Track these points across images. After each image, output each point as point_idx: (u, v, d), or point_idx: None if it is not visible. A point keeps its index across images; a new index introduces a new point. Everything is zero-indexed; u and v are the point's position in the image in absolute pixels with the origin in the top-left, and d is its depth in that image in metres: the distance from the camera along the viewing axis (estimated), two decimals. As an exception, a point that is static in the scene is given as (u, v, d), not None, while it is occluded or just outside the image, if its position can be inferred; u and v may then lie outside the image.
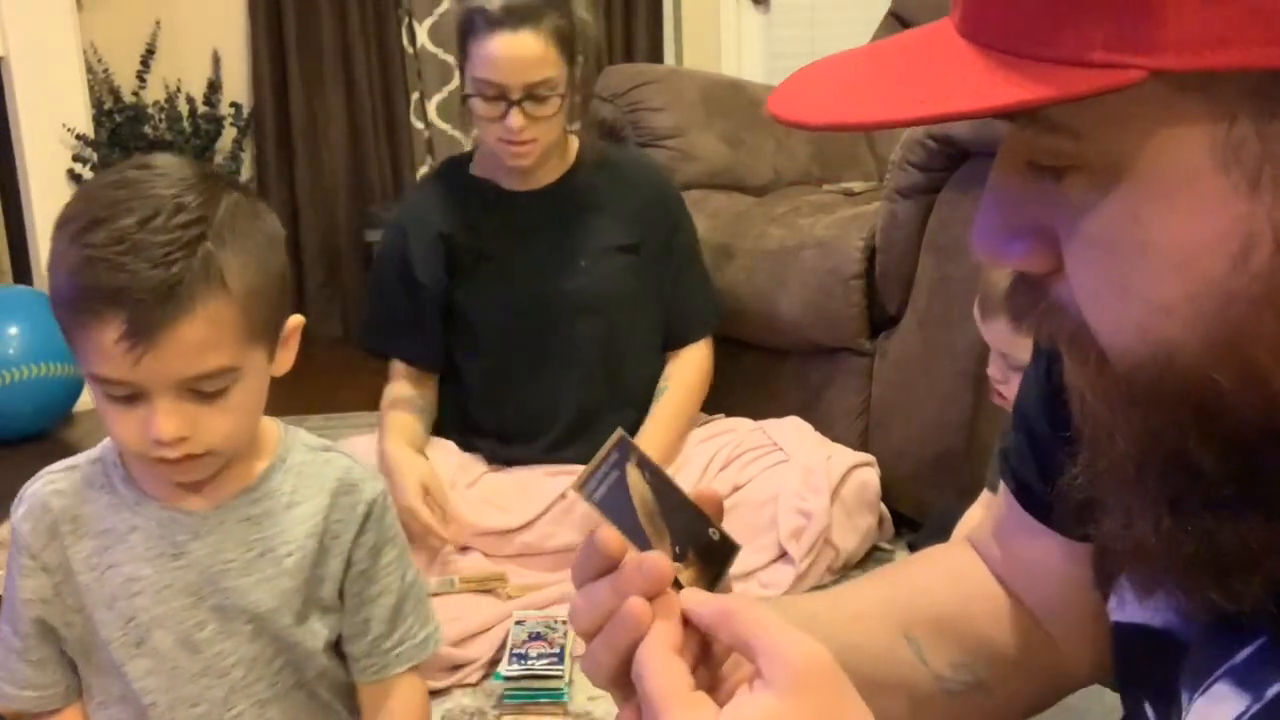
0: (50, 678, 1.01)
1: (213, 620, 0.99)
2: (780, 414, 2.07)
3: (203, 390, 0.90)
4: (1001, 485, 0.72)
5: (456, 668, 1.65)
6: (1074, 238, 0.45)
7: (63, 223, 0.90)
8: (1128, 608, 0.58)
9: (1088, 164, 0.44)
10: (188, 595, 0.99)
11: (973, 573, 0.74)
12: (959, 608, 0.72)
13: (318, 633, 1.03)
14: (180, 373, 0.89)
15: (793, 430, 2.00)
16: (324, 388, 2.78)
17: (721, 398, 2.21)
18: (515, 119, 1.79)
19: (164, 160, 0.93)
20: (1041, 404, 0.65)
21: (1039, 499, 0.67)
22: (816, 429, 2.02)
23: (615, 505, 0.55)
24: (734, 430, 2.01)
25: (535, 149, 1.86)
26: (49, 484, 1.00)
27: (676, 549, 0.55)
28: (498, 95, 1.79)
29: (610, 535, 0.54)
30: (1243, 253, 0.41)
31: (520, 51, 1.77)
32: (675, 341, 2.03)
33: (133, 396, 0.90)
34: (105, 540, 0.99)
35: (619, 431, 0.56)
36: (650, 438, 1.91)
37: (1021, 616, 0.72)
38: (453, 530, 1.81)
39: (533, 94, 1.80)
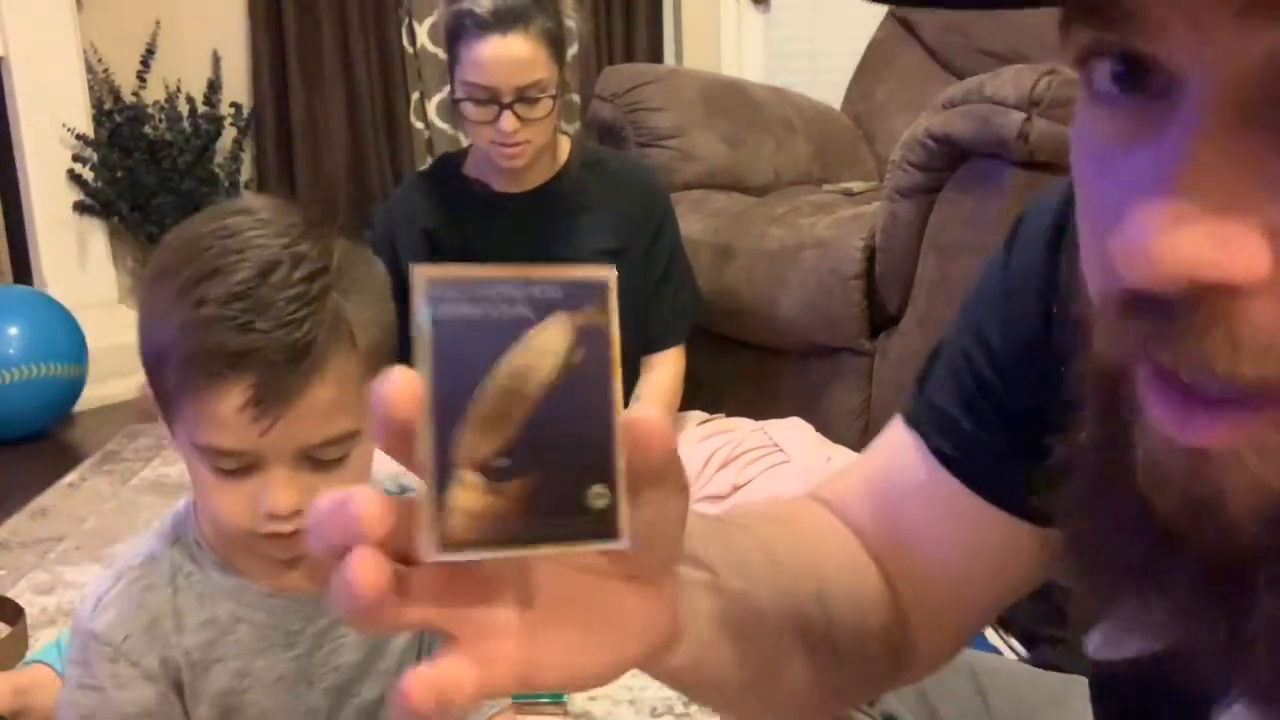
0: None
1: (325, 700, 0.93)
2: (780, 414, 2.07)
3: (322, 458, 0.82)
4: (900, 438, 0.64)
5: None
6: None
7: (163, 274, 0.81)
8: (1119, 645, 0.48)
9: None
10: (302, 682, 0.91)
11: (840, 536, 0.65)
12: (846, 575, 0.63)
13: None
14: (305, 440, 0.80)
15: (793, 431, 2.00)
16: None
17: (721, 398, 2.21)
18: (508, 122, 1.80)
19: (261, 203, 0.85)
20: (1027, 352, 0.56)
21: (976, 466, 0.59)
22: (816, 429, 2.02)
23: (469, 352, 0.35)
24: (734, 430, 2.01)
25: (528, 150, 1.86)
26: (135, 581, 0.89)
27: (501, 469, 0.35)
28: (489, 98, 1.80)
29: (403, 392, 0.34)
30: None
31: (511, 54, 1.77)
32: (648, 346, 2.03)
33: (246, 469, 0.81)
34: (208, 633, 0.89)
35: (608, 271, 0.37)
36: None
37: (885, 593, 0.64)
38: None
39: (524, 96, 1.80)
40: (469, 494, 0.35)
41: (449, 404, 0.35)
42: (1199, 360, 0.32)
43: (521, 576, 0.40)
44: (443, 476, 0.34)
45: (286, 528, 0.82)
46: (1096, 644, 0.51)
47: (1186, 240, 0.30)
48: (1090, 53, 0.35)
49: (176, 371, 0.80)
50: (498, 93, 1.79)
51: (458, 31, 1.80)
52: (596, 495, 0.36)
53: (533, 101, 1.81)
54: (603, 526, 0.36)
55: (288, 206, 0.86)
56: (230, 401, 0.78)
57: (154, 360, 0.82)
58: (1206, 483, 0.34)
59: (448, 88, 1.91)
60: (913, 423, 0.64)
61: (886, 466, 0.66)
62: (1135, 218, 0.31)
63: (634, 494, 0.37)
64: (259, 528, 0.82)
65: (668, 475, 0.39)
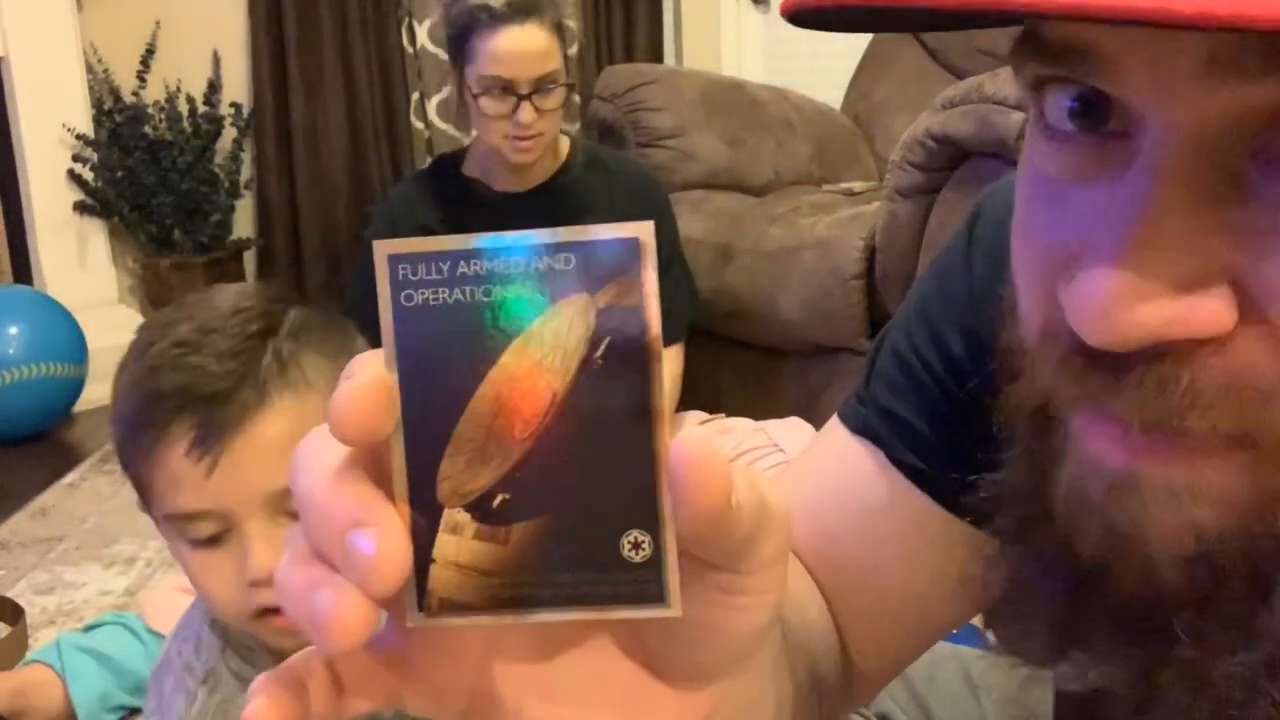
0: None
1: None
2: (780, 414, 2.06)
3: (296, 509, 0.78)
4: (846, 449, 0.59)
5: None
6: None
7: (122, 365, 0.81)
8: (1083, 674, 0.44)
9: None
10: None
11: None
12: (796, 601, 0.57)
13: None
14: (266, 485, 0.75)
15: (793, 431, 2.00)
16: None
17: (721, 398, 2.21)
18: (526, 113, 1.82)
19: (234, 288, 0.85)
20: (923, 401, 0.54)
21: (941, 478, 0.54)
22: (817, 429, 2.01)
23: (450, 352, 0.26)
24: (734, 430, 2.01)
25: (540, 143, 1.88)
26: (210, 694, 0.85)
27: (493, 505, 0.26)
28: (507, 90, 1.81)
29: (367, 398, 0.26)
30: None
31: (528, 45, 1.80)
32: None
33: (219, 536, 0.77)
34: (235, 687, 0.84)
35: (642, 228, 0.27)
36: None
37: (829, 617, 0.59)
38: None
39: (539, 87, 1.82)
40: (458, 541, 0.26)
41: (426, 421, 0.26)
42: (1155, 413, 0.31)
43: (508, 644, 0.32)
44: (422, 517, 0.26)
45: (273, 599, 0.72)
46: (1064, 676, 0.48)
47: (1151, 307, 0.29)
48: (1044, 81, 0.34)
49: (129, 432, 0.78)
50: (515, 84, 1.81)
51: (470, 26, 1.81)
52: (633, 544, 0.26)
53: (547, 92, 1.83)
54: (642, 586, 0.26)
55: (269, 289, 0.85)
56: (177, 450, 0.75)
57: (119, 436, 0.80)
58: (1130, 514, 0.33)
59: (447, 89, 1.91)
60: (866, 433, 0.58)
61: (834, 480, 0.60)
62: (1095, 275, 0.30)
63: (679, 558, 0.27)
64: (250, 605, 0.77)
65: (722, 540, 0.28)
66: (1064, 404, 0.35)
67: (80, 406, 2.77)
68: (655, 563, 0.27)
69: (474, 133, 1.96)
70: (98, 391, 2.82)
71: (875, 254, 2.03)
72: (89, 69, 3.12)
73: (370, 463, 0.28)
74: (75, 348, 2.65)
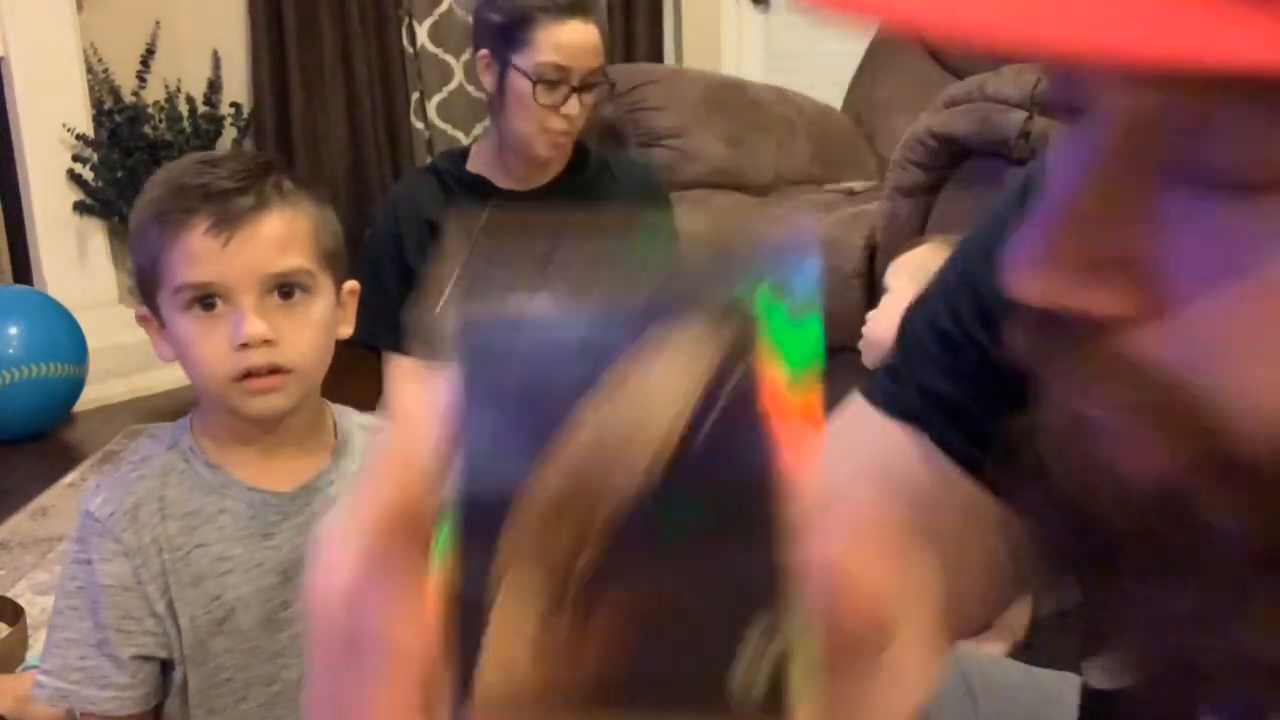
0: (131, 678, 1.00)
1: (298, 599, 1.02)
2: (781, 414, 2.06)
3: (285, 292, 0.97)
4: (873, 421, 0.56)
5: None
6: (1217, 282, 0.32)
7: (148, 183, 1.01)
8: (1112, 671, 0.44)
9: None
10: (277, 574, 1.02)
11: None
12: None
13: None
14: (265, 266, 0.95)
15: (793, 430, 1.99)
16: (324, 387, 2.81)
17: (722, 397, 2.21)
18: (574, 106, 1.85)
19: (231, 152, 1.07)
20: (967, 374, 0.53)
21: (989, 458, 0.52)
22: (817, 429, 2.02)
23: (524, 398, 0.22)
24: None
25: (569, 140, 1.91)
26: (130, 472, 1.02)
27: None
28: (560, 82, 1.84)
29: (415, 433, 0.24)
30: None
31: (588, 39, 1.87)
32: None
33: (215, 304, 0.95)
34: (192, 521, 1.01)
35: (808, 220, 0.24)
36: None
37: None
38: None
39: (587, 82, 1.86)
40: (523, 630, 0.21)
41: (487, 479, 0.21)
42: (1082, 374, 0.34)
43: None
44: (474, 600, 0.21)
45: (257, 359, 0.95)
46: (1096, 675, 0.47)
47: (1046, 280, 0.32)
48: None
49: (156, 223, 0.96)
50: (570, 75, 1.84)
51: (531, 15, 1.84)
52: (752, 649, 0.21)
53: (592, 88, 1.88)
54: (763, 703, 0.21)
55: (265, 156, 1.05)
56: (197, 231, 0.94)
57: (140, 233, 0.99)
58: (1099, 446, 0.35)
59: (449, 87, 1.92)
60: (907, 415, 0.55)
61: (877, 465, 0.56)
62: (1016, 239, 0.33)
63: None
64: (234, 367, 0.95)
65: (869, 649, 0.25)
66: (1027, 352, 0.37)
67: (80, 406, 2.77)
68: (779, 671, 0.21)
69: (476, 131, 1.96)
70: (98, 391, 2.82)
71: (876, 253, 2.03)
72: (89, 69, 3.12)
73: (407, 520, 0.24)
74: (75, 348, 2.65)
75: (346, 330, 1.05)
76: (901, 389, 0.56)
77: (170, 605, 1.00)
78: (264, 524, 1.02)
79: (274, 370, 0.96)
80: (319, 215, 1.01)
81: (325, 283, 1.00)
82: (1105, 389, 0.34)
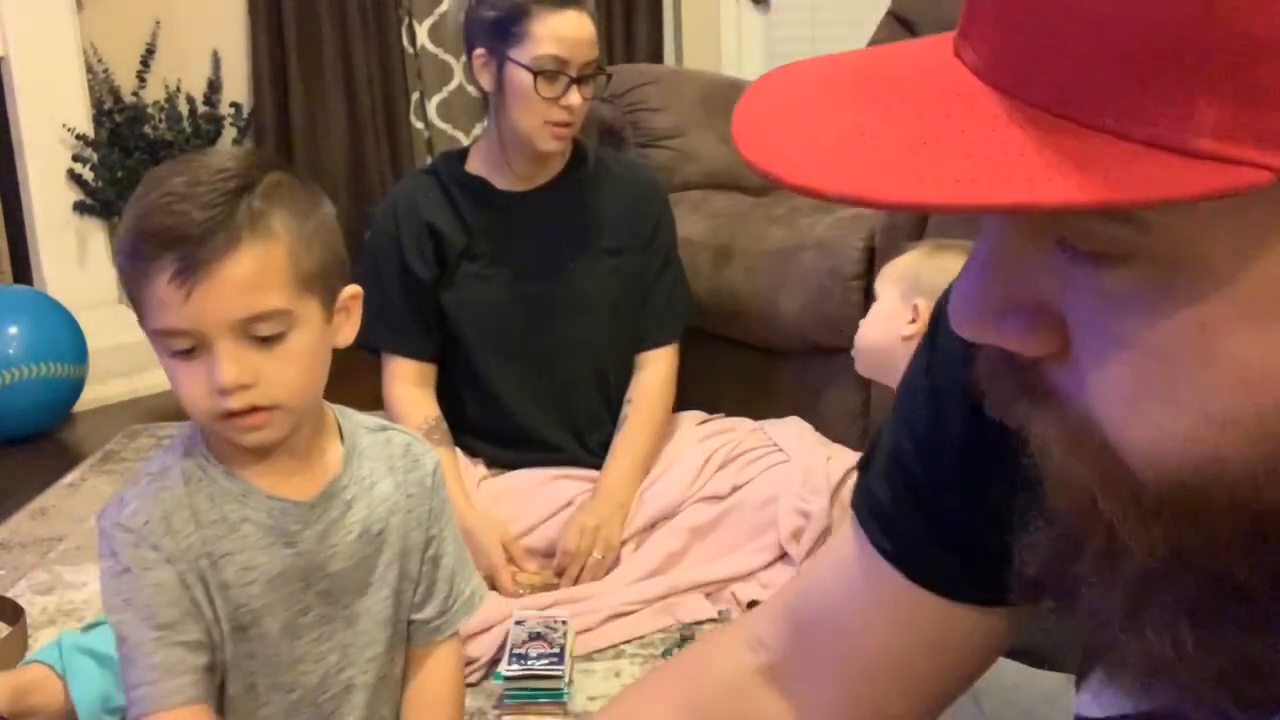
0: (205, 657, 0.99)
1: (317, 605, 1.04)
2: (780, 414, 2.07)
3: (260, 334, 0.93)
4: (852, 544, 0.63)
5: (456, 668, 1.65)
6: (1102, 333, 0.38)
7: (127, 208, 0.97)
8: (1105, 699, 0.51)
9: (1145, 258, 0.35)
10: (298, 581, 1.02)
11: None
12: None
13: (406, 605, 1.10)
14: (234, 313, 0.91)
15: (793, 431, 2.00)
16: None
17: (721, 398, 2.21)
18: (575, 96, 1.86)
19: (223, 148, 1.01)
20: (956, 453, 0.57)
21: (931, 565, 0.59)
22: (816, 429, 2.02)
23: None
24: (733, 430, 2.01)
25: (570, 133, 1.90)
26: (152, 483, 1.01)
27: None
28: (560, 71, 1.84)
29: None
30: None
31: (585, 30, 1.86)
32: (640, 344, 2.03)
33: (195, 349, 0.93)
34: (217, 530, 1.00)
35: None
36: (625, 454, 1.92)
37: None
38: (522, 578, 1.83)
39: (585, 73, 1.86)
40: None
41: None
42: (1024, 405, 0.42)
43: None
44: None
45: (236, 403, 0.93)
46: (1085, 702, 0.52)
47: (970, 318, 0.40)
48: None
49: (128, 260, 0.93)
50: (568, 66, 1.84)
51: (526, 9, 1.84)
52: None
53: (590, 79, 1.88)
54: None
55: (247, 150, 1.00)
56: (163, 277, 0.90)
57: (119, 264, 0.95)
58: (1045, 458, 0.42)
59: (449, 87, 1.92)
60: (855, 510, 0.63)
61: (830, 570, 0.65)
62: (957, 282, 0.40)
63: None
64: (216, 408, 0.94)
65: None
66: (984, 381, 0.45)
67: (80, 406, 2.77)
68: None
69: (476, 131, 1.96)
70: (98, 391, 2.83)
71: (875, 254, 2.03)
72: (89, 69, 3.12)
73: None
74: (75, 348, 2.65)
75: (346, 339, 1.03)
76: (861, 489, 0.63)
77: (214, 607, 1.00)
78: (285, 533, 1.01)
79: (256, 409, 0.94)
80: (301, 234, 0.95)
81: (308, 309, 0.96)
82: (1036, 414, 0.41)
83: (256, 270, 0.91)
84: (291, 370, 0.95)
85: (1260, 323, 0.35)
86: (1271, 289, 0.34)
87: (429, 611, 1.11)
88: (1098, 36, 0.32)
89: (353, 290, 1.03)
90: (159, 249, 0.90)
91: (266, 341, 0.93)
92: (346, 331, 1.02)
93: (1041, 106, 0.34)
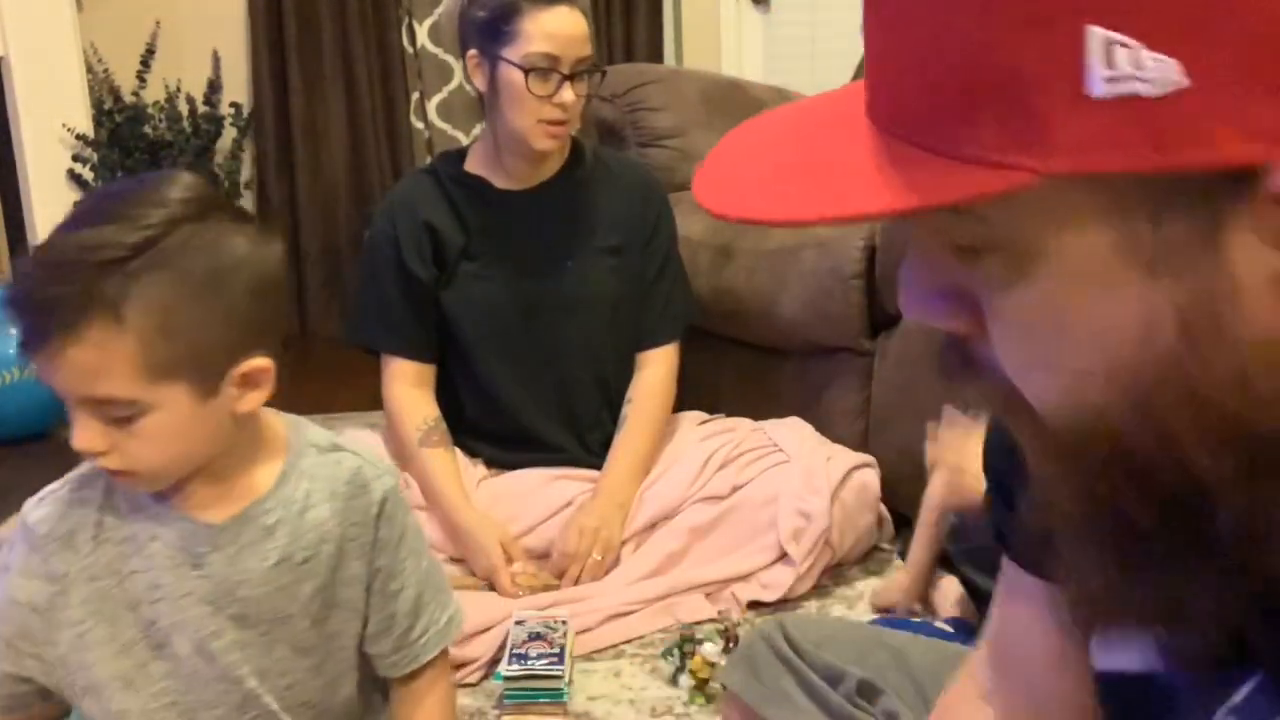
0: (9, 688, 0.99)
1: (230, 629, 0.99)
2: (780, 414, 2.06)
3: (108, 414, 0.89)
4: (1011, 571, 0.68)
5: (456, 667, 1.65)
6: (994, 313, 0.45)
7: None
8: (1110, 654, 0.57)
9: (1001, 247, 0.43)
10: (206, 604, 0.98)
11: None
12: None
13: (339, 634, 1.04)
14: (74, 391, 0.89)
15: (793, 431, 2.00)
16: (324, 387, 2.75)
17: (721, 398, 2.21)
18: (568, 93, 1.84)
19: (166, 176, 0.92)
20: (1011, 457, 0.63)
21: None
22: (817, 429, 2.02)
23: None
24: (734, 430, 2.01)
25: (566, 131, 1.89)
26: (75, 489, 0.99)
27: None
28: (552, 71, 1.83)
29: None
30: (1148, 335, 0.41)
31: (576, 27, 1.84)
32: (640, 344, 2.03)
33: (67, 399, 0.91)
34: (127, 548, 0.98)
35: None
36: (625, 454, 1.92)
37: None
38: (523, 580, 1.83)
39: (578, 71, 1.85)
40: None
41: None
42: (969, 377, 0.50)
43: None
44: None
45: (100, 464, 0.92)
46: (1096, 654, 0.56)
47: (905, 298, 0.49)
48: None
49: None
50: (561, 64, 1.83)
51: (516, 7, 1.83)
52: None
53: (583, 77, 1.86)
54: None
55: (191, 183, 0.92)
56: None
57: None
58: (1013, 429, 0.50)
59: (449, 87, 1.91)
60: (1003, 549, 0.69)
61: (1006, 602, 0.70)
62: (900, 269, 0.49)
63: None
64: (92, 460, 0.93)
65: None
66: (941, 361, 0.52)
67: (80, 406, 2.77)
68: None
69: (476, 131, 1.96)
70: (98, 391, 2.83)
71: (875, 254, 2.03)
72: (89, 69, 3.12)
73: None
74: (75, 348, 2.65)
75: (251, 406, 0.95)
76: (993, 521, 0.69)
77: (82, 637, 0.98)
78: (192, 554, 0.98)
79: (120, 471, 0.92)
80: (166, 321, 0.87)
81: (163, 395, 0.89)
82: (976, 383, 0.49)
83: (96, 357, 0.86)
84: (148, 448, 0.91)
85: (1094, 288, 0.42)
86: (1096, 257, 0.41)
87: (386, 646, 1.07)
88: (920, 75, 0.41)
89: (260, 363, 0.94)
90: (14, 311, 0.88)
91: (118, 420, 0.89)
92: (252, 399, 0.95)
93: (896, 135, 0.42)
